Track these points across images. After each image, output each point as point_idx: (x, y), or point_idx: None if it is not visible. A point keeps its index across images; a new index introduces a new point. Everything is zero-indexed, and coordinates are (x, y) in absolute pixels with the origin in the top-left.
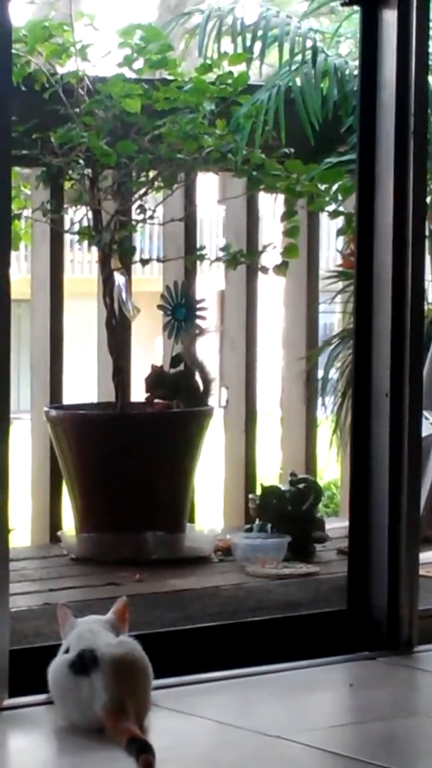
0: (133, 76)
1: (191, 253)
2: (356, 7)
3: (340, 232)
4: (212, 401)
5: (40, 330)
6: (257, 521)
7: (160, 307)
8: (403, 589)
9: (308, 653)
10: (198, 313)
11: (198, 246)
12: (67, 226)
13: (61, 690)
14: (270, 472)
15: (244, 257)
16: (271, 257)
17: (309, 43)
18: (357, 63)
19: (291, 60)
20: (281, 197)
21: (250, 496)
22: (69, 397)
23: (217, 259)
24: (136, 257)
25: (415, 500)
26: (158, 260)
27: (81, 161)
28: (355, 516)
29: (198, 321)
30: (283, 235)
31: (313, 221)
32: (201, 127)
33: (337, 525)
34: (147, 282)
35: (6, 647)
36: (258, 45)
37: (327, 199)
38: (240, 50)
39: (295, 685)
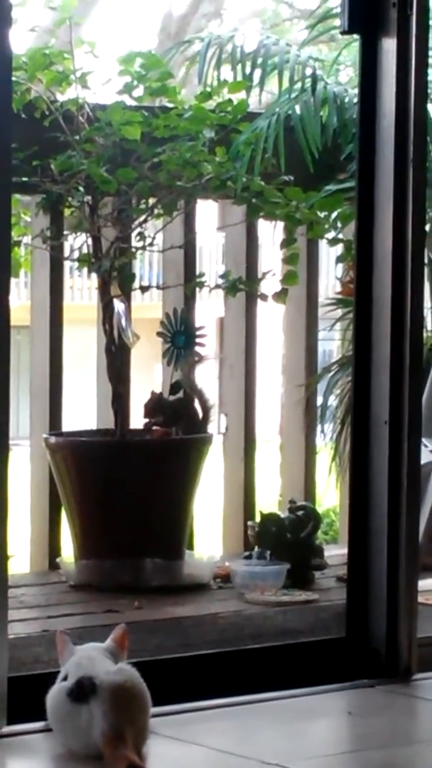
0: (133, 103)
1: (191, 280)
2: (356, 36)
3: (339, 260)
4: (211, 428)
5: (39, 356)
6: (256, 548)
7: (159, 334)
8: (401, 616)
9: (307, 681)
10: (197, 340)
11: (197, 273)
12: (66, 253)
13: (59, 717)
14: (269, 499)
15: (243, 284)
16: (270, 284)
17: (308, 71)
18: (356, 91)
19: (291, 88)
20: (281, 224)
21: (249, 523)
22: (68, 424)
23: (217, 286)
24: (136, 284)
25: (414, 528)
26: (158, 287)
27: (81, 188)
28: (354, 543)
29: (197, 348)
30: (282, 263)
31: (312, 248)
32: (201, 155)
33: (336, 552)
34: (146, 309)
35: (4, 674)
36: (258, 73)
37: (326, 226)
38: (240, 78)
39: (294, 713)
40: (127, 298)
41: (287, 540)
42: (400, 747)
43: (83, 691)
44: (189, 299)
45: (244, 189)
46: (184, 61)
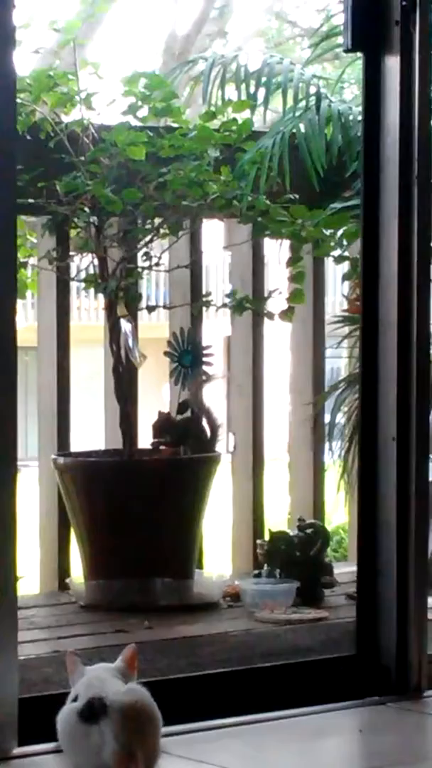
0: (138, 123)
1: (197, 299)
2: (359, 54)
3: (345, 277)
4: (220, 447)
5: (47, 377)
6: (266, 567)
7: (166, 353)
8: (411, 633)
9: (317, 699)
10: (204, 359)
11: (204, 292)
12: (73, 273)
13: (70, 738)
14: (278, 517)
15: (250, 303)
16: (277, 303)
17: (313, 90)
18: (361, 109)
19: (295, 106)
20: (286, 243)
21: (259, 541)
22: (76, 444)
23: (223, 305)
24: (143, 304)
25: (423, 545)
26: (164, 307)
27: (86, 209)
28: (363, 561)
29: (204, 367)
30: (288, 281)
31: (318, 267)
32: (206, 174)
33: (345, 570)
34: (153, 328)
35: (15, 695)
36: (262, 91)
37: (332, 244)
38: (244, 97)
39: (305, 731)
40: (133, 318)
41: (297, 558)
42: (411, 764)
43: (94, 711)
44: (196, 318)
45: (250, 208)
46: (188, 80)
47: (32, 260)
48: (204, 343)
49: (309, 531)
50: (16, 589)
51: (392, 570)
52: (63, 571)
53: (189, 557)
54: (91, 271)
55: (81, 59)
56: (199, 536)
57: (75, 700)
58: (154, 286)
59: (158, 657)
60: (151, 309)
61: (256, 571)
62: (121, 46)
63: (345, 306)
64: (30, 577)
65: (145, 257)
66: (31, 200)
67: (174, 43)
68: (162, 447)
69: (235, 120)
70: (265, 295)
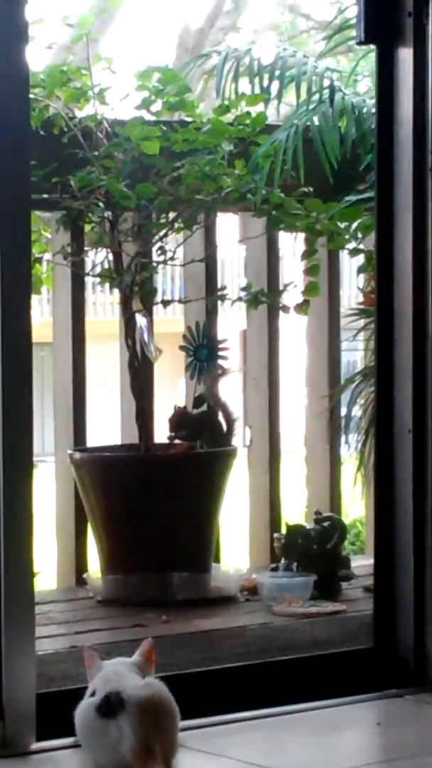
0: (152, 118)
1: (212, 293)
2: (372, 46)
3: (360, 270)
4: (236, 441)
5: (62, 372)
6: (283, 560)
7: (182, 347)
8: (429, 626)
9: (335, 692)
10: (220, 353)
11: (219, 286)
12: (88, 268)
13: (88, 733)
14: (295, 511)
15: (265, 296)
16: (292, 296)
17: (326, 82)
18: (374, 101)
19: (309, 99)
20: (301, 236)
21: (275, 535)
22: (93, 439)
23: (239, 299)
24: (158, 298)
25: None
26: (179, 301)
27: (101, 204)
28: (380, 554)
29: (220, 361)
30: (303, 274)
31: (333, 259)
32: (220, 168)
33: (363, 563)
34: (169, 323)
35: (33, 691)
36: (275, 85)
37: (347, 237)
38: (257, 90)
39: (323, 724)
40: (148, 313)
41: (314, 551)
42: (430, 756)
43: (111, 706)
44: (211, 312)
45: (264, 201)
46: (201, 74)
47: (47, 255)
48: (219, 337)
49: (326, 524)
50: (33, 584)
51: (409, 562)
52: (80, 566)
53: (206, 551)
54: (106, 266)
55: (94, 54)
56: (215, 530)
57: (93, 695)
58: (169, 280)
59: (175, 651)
60: (166, 303)
61: (273, 565)
62: (135, 40)
63: (360, 299)
64: (47, 573)
65: (159, 251)
66: (45, 195)
67: (187, 37)
68: (178, 441)
69: (248, 113)
70: (281, 288)
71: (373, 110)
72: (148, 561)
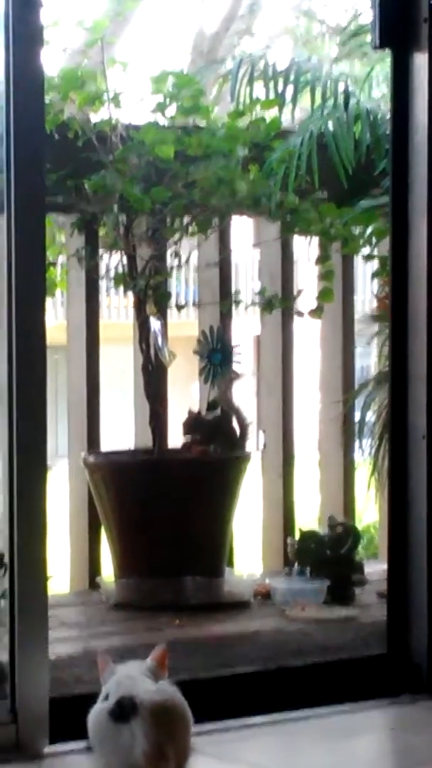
0: (166, 122)
1: (226, 297)
2: (387, 51)
3: (374, 275)
4: (249, 445)
5: (76, 376)
6: (296, 565)
7: (196, 352)
8: None
9: (349, 697)
10: (234, 357)
11: (233, 290)
12: (102, 272)
13: (101, 737)
14: (308, 516)
15: (279, 301)
16: (306, 301)
17: (341, 87)
18: (389, 106)
19: (323, 104)
20: (315, 241)
21: (289, 540)
22: (106, 443)
23: (253, 304)
24: (172, 302)
25: None
26: (194, 305)
27: (115, 208)
28: (394, 559)
29: (234, 365)
30: (318, 279)
31: (347, 265)
32: (234, 173)
33: (376, 568)
34: (183, 326)
35: (46, 695)
36: (290, 90)
37: (361, 242)
38: (272, 95)
39: (336, 730)
40: (163, 316)
41: (327, 556)
42: None
43: (124, 710)
44: (225, 317)
45: (279, 206)
46: (216, 79)
47: (61, 259)
48: (233, 342)
49: (339, 529)
50: (46, 588)
51: (423, 568)
52: (93, 569)
53: (219, 556)
54: (120, 269)
55: (109, 58)
56: (229, 535)
57: (106, 699)
58: (183, 284)
59: (188, 656)
60: (180, 307)
61: (287, 570)
62: (149, 44)
63: (374, 304)
64: (60, 576)
65: (174, 255)
66: (60, 199)
67: (202, 42)
68: (192, 445)
69: (263, 118)
70: (295, 293)
71: (388, 115)
72: (162, 565)
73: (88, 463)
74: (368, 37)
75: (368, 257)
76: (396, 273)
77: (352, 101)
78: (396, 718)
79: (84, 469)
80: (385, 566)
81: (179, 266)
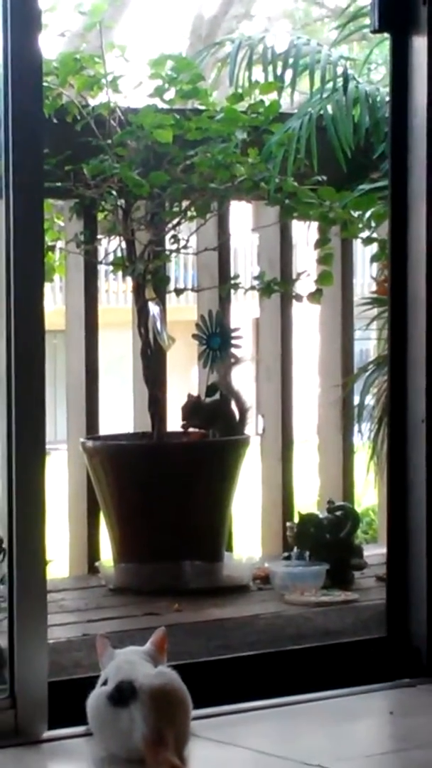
0: (165, 106)
1: (225, 281)
2: (386, 34)
3: (374, 259)
4: (249, 429)
5: (75, 361)
6: (295, 549)
7: (195, 336)
8: None
9: (348, 681)
10: (233, 341)
11: (232, 274)
12: (100, 256)
13: (100, 722)
14: (308, 500)
15: (278, 285)
16: (305, 285)
17: (340, 71)
18: (388, 89)
19: (322, 88)
20: (315, 225)
21: (288, 523)
22: (105, 428)
23: (252, 288)
24: (171, 287)
25: None
26: (192, 289)
27: (114, 192)
28: (393, 543)
29: (233, 350)
30: (317, 263)
31: (346, 248)
32: (233, 156)
33: (376, 552)
34: (182, 311)
35: (45, 679)
36: (289, 73)
37: (360, 226)
38: (271, 79)
39: (336, 714)
40: (161, 301)
41: (326, 540)
42: None
43: (123, 695)
44: (224, 301)
45: (278, 190)
46: (215, 63)
47: (60, 244)
48: (232, 326)
49: (338, 513)
50: (45, 572)
51: (422, 551)
52: (92, 554)
53: (218, 540)
54: (119, 254)
55: (107, 42)
56: (228, 519)
57: (105, 683)
58: (182, 268)
59: (188, 640)
60: (179, 292)
61: (286, 554)
62: (148, 28)
63: (373, 287)
64: (59, 561)
65: (172, 240)
66: (58, 184)
67: (201, 25)
68: (191, 430)
69: (262, 102)
70: (294, 277)
71: (387, 99)
72: (161, 549)
73: (86, 447)
74: (367, 20)
75: (367, 241)
76: (395, 256)
77: (351, 84)
78: (395, 702)
79: (83, 453)
80: (384, 550)
81: (178, 251)
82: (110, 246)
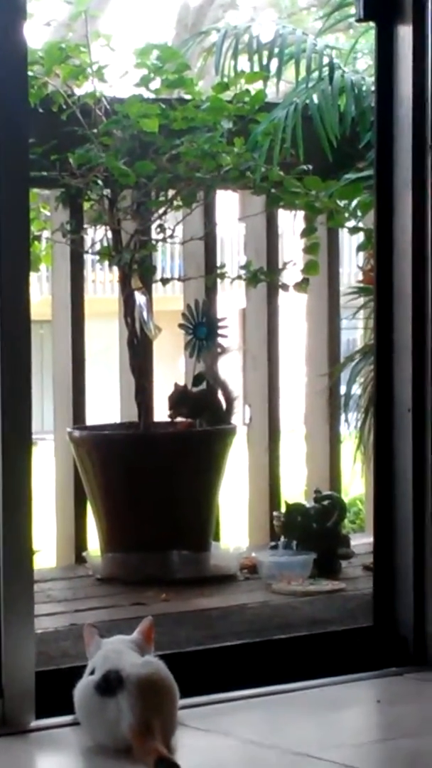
0: (151, 95)
1: (211, 271)
2: (372, 23)
3: (360, 248)
4: (235, 419)
5: (61, 350)
6: (282, 538)
7: (181, 326)
8: (429, 604)
9: (335, 670)
10: (219, 331)
11: (218, 264)
12: (87, 246)
13: (87, 711)
14: (294, 489)
15: (264, 275)
16: (291, 274)
17: (326, 60)
18: (374, 79)
19: (308, 77)
20: (301, 214)
21: (275, 513)
22: (92, 418)
23: (238, 277)
24: (157, 276)
25: None
26: (179, 279)
27: (100, 182)
28: (380, 532)
29: (219, 339)
30: (303, 252)
31: (333, 238)
32: (219, 146)
33: (363, 541)
34: (168, 301)
35: (32, 669)
36: (275, 62)
37: (346, 215)
38: (257, 68)
39: (323, 703)
40: (148, 291)
41: (313, 530)
42: (429, 735)
43: (110, 684)
44: (210, 291)
45: (264, 179)
46: (201, 52)
47: (46, 233)
48: (219, 316)
49: (325, 502)
50: (32, 562)
51: (409, 541)
52: (79, 544)
53: (205, 530)
54: (105, 243)
55: (93, 31)
56: (215, 509)
57: (92, 673)
58: (168, 258)
59: (175, 629)
60: (165, 281)
61: (273, 543)
62: (134, 17)
63: (360, 277)
64: (47, 551)
65: (158, 229)
66: (44, 173)
67: (186, 15)
68: (178, 419)
69: (248, 91)
70: (280, 266)
71: (373, 88)
72: (148, 539)
73: (73, 437)
74: (352, 10)
75: (353, 230)
76: (381, 245)
77: (337, 74)
78: (382, 691)
79: (70, 443)
80: (371, 539)
81: (164, 240)
82: (96, 235)
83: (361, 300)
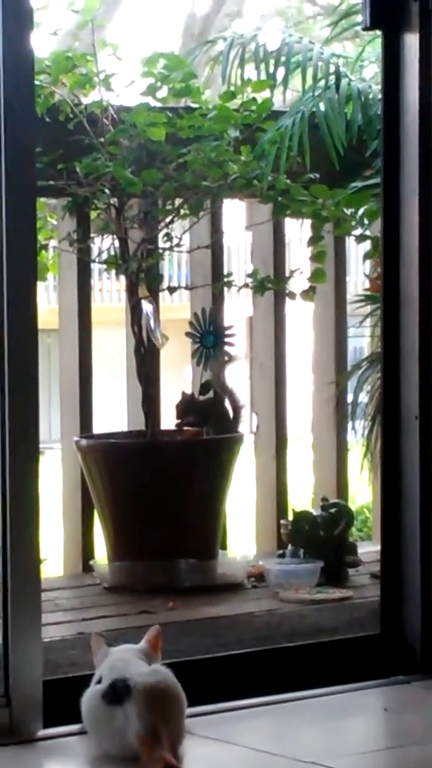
0: (157, 104)
1: (218, 279)
2: (378, 32)
3: (367, 256)
4: (242, 427)
5: (69, 359)
6: (289, 547)
7: (188, 334)
8: None
9: (342, 678)
10: (226, 339)
11: (225, 272)
12: (94, 255)
13: (94, 720)
14: (302, 497)
15: (271, 283)
16: (298, 282)
17: (332, 68)
18: (380, 87)
19: (314, 85)
20: (307, 222)
21: (282, 521)
22: (99, 426)
23: (245, 286)
24: (164, 285)
25: None
26: (186, 288)
27: (107, 191)
28: (387, 540)
29: (226, 347)
30: (310, 260)
31: (339, 246)
32: (226, 154)
33: (370, 549)
34: (175, 309)
35: (39, 678)
36: (281, 71)
37: (353, 223)
38: (263, 77)
39: (330, 711)
40: (155, 299)
41: (320, 538)
42: None
43: (117, 693)
44: (217, 299)
45: (270, 188)
46: (207, 61)
47: (53, 242)
48: (226, 324)
49: (333, 510)
50: (39, 571)
51: (416, 549)
52: (87, 553)
53: (213, 538)
54: (112, 252)
55: (100, 40)
56: (222, 517)
57: (99, 681)
58: (175, 267)
59: (182, 638)
60: (172, 290)
61: (280, 551)
62: (140, 26)
63: (366, 285)
64: (54, 560)
65: (165, 238)
66: (51, 182)
67: (193, 24)
68: (185, 428)
69: (254, 100)
70: (287, 274)
71: (379, 96)
72: (155, 548)
73: (80, 446)
74: (359, 18)
75: (360, 238)
76: (388, 254)
77: (344, 82)
78: (390, 699)
79: (77, 452)
80: (378, 547)
81: (171, 249)
82: (103, 244)
83: (368, 308)
